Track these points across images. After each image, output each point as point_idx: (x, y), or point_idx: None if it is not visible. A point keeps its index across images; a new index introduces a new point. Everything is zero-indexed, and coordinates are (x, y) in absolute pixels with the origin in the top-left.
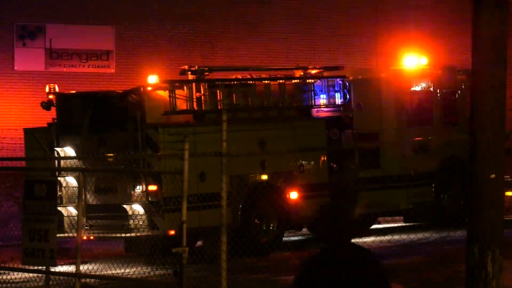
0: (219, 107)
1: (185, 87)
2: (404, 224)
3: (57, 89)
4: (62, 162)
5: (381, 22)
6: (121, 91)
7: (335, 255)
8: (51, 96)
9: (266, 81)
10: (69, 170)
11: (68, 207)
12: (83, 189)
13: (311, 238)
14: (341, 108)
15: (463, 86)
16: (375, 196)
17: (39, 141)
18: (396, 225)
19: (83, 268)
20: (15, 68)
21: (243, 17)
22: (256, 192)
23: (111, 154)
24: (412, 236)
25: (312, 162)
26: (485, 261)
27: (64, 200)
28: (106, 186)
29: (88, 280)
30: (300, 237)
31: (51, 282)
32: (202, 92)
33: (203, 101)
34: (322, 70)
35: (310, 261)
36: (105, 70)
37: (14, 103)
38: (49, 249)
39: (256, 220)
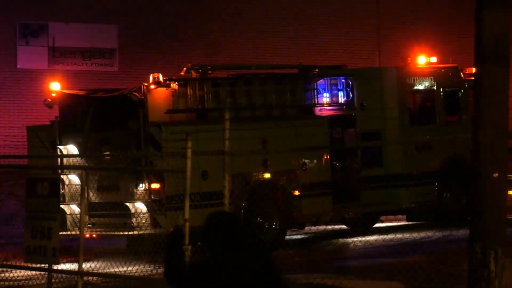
0: (221, 106)
1: (188, 86)
2: (406, 223)
3: (59, 88)
4: (64, 160)
5: (384, 21)
6: (123, 89)
7: (226, 261)
8: (54, 94)
9: (269, 80)
10: (71, 168)
11: (70, 205)
12: (86, 187)
13: (313, 236)
14: (344, 107)
15: (466, 85)
16: (378, 195)
17: (42, 139)
18: (398, 223)
19: (86, 266)
20: (18, 66)
21: (246, 16)
22: (258, 190)
23: (114, 153)
24: (415, 235)
25: (315, 161)
26: (487, 260)
27: (66, 198)
28: (109, 184)
29: (90, 278)
30: (302, 236)
31: (53, 280)
32: (205, 91)
33: (205, 100)
34: (322, 69)
35: (201, 267)
36: (108, 69)
37: (17, 101)
38: (52, 247)
39: (258, 219)
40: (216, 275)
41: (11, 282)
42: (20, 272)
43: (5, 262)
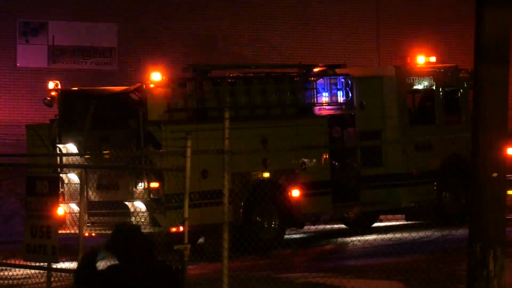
0: (221, 105)
1: (187, 85)
2: (405, 222)
3: (59, 86)
4: (64, 158)
5: (383, 20)
6: (123, 88)
7: (131, 270)
8: (53, 93)
9: (268, 79)
10: (71, 167)
11: (70, 204)
12: (85, 186)
13: (312, 235)
14: (344, 106)
15: (465, 85)
16: (377, 194)
17: (42, 137)
18: (397, 223)
19: None
20: (18, 64)
21: (246, 15)
22: (258, 189)
23: (113, 151)
24: (414, 234)
25: (314, 160)
26: (486, 260)
27: (66, 197)
28: (108, 183)
29: None
30: (301, 235)
31: (52, 279)
32: (204, 90)
33: (205, 99)
34: (325, 68)
35: (108, 273)
36: (107, 67)
37: (16, 100)
38: (51, 246)
39: (257, 218)
40: (120, 281)
41: (10, 281)
42: (19, 270)
43: (4, 261)
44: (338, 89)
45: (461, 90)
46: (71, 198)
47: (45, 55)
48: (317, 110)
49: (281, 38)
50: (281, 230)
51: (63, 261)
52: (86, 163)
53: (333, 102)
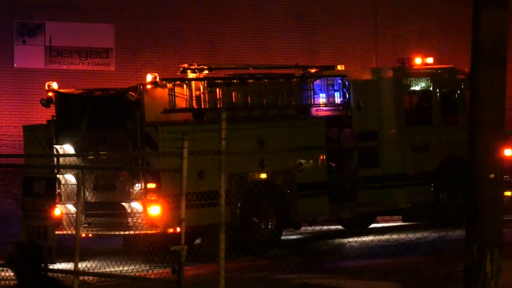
0: (218, 106)
1: (184, 85)
2: (402, 224)
3: (56, 87)
4: (61, 159)
5: (381, 21)
6: (120, 89)
7: (30, 285)
8: (50, 94)
9: (265, 80)
10: (68, 168)
11: (67, 205)
12: (82, 187)
13: (309, 236)
14: (341, 107)
15: (462, 86)
16: (374, 195)
17: (38, 138)
18: (394, 224)
19: (82, 265)
20: (15, 65)
21: (243, 15)
22: (254, 190)
23: (110, 152)
24: (411, 236)
25: (311, 161)
26: (483, 261)
27: (63, 198)
28: (105, 183)
29: (86, 277)
30: (298, 236)
31: None
32: (201, 91)
33: (202, 100)
34: (318, 69)
35: None
36: (104, 68)
37: (13, 101)
38: (48, 246)
39: (254, 219)
40: None
41: (7, 281)
42: None
43: (1, 261)
44: (335, 90)
45: (458, 91)
46: (68, 199)
47: (42, 55)
48: (314, 111)
49: (278, 39)
50: (277, 231)
51: (59, 262)
52: (83, 164)
53: (330, 103)
